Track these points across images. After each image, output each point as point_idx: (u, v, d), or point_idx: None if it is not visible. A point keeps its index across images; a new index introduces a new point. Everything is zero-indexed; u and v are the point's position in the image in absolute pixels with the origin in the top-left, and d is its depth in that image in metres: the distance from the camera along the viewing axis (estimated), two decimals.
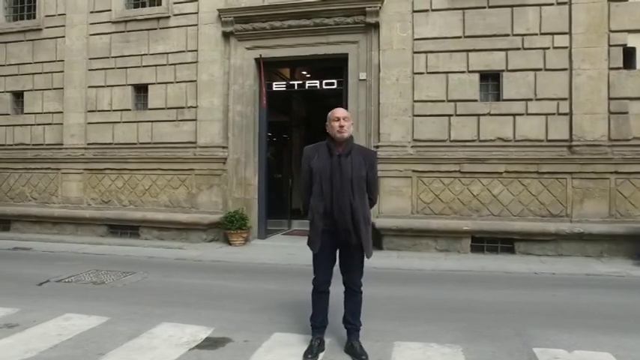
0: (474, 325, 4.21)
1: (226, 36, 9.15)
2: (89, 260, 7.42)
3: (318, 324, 3.61)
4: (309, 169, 3.55)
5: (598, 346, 3.67)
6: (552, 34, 7.75)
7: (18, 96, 10.71)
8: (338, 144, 3.50)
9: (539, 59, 7.79)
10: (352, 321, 3.52)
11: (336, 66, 9.02)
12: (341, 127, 3.46)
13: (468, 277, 6.38)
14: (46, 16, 10.38)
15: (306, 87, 9.51)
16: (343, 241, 3.44)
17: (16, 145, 10.61)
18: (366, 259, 3.52)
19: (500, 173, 7.83)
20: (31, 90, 10.49)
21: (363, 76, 8.52)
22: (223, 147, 9.18)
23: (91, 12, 10.03)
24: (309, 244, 3.57)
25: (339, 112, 3.56)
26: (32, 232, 10.10)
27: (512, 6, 7.87)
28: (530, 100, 7.82)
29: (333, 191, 3.40)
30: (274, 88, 9.54)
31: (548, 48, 7.77)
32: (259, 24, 8.89)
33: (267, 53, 9.02)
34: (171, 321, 4.29)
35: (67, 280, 6.08)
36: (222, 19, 9.05)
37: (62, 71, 10.16)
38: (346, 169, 3.42)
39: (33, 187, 10.42)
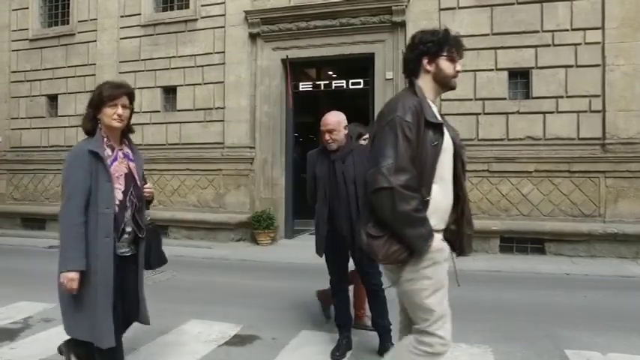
0: (503, 325, 4.15)
1: (253, 37, 9.23)
2: None
3: (342, 322, 3.62)
4: (313, 175, 3.54)
5: (634, 349, 3.58)
6: (584, 29, 7.57)
7: (52, 99, 11.05)
8: (333, 149, 3.46)
9: (570, 55, 7.62)
10: (381, 321, 3.48)
11: (362, 65, 9.00)
12: (327, 139, 3.41)
13: (497, 277, 6.29)
14: (79, 21, 10.68)
15: (333, 87, 9.51)
16: (343, 244, 3.43)
17: (51, 146, 10.94)
18: None
19: (530, 172, 7.68)
20: (64, 93, 10.80)
21: (389, 75, 8.47)
22: (250, 147, 9.27)
23: (122, 16, 10.26)
24: (316, 248, 3.56)
25: (327, 121, 3.44)
26: None
27: (541, 1, 7.71)
28: (561, 97, 7.64)
29: (332, 196, 3.41)
30: (301, 89, 9.58)
31: (580, 44, 7.58)
32: (285, 25, 8.94)
33: (294, 54, 9.06)
34: (201, 318, 4.37)
35: None
36: (249, 20, 9.14)
37: (94, 74, 10.41)
38: (343, 172, 3.37)
39: None
